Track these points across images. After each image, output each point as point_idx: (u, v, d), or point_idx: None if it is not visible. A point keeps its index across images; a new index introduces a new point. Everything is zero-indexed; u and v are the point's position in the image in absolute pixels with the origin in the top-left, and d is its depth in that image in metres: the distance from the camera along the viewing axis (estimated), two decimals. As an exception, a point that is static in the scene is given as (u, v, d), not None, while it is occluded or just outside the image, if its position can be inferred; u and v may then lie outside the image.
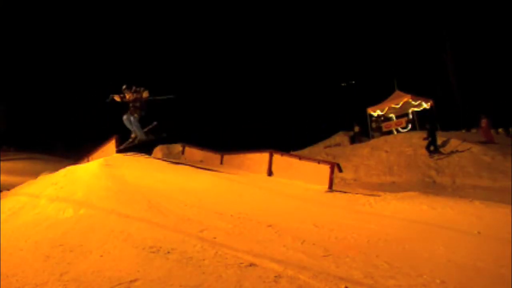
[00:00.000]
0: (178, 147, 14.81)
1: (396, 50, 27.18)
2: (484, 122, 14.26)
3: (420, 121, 17.87)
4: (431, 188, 10.41)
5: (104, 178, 7.08)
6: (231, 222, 4.97)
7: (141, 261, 3.54)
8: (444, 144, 13.72)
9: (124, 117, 9.58)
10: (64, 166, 8.98)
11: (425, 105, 18.65)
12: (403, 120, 18.74)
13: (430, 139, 13.31)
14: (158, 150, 15.48)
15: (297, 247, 4.03)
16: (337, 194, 8.09)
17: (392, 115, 19.54)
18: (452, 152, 12.91)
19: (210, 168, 10.04)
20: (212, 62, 33.82)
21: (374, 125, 19.42)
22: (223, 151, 12.77)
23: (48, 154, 20.87)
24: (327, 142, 19.88)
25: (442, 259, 3.72)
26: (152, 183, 7.18)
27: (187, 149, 14.17)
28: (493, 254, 3.79)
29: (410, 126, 18.16)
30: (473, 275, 3.30)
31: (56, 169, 9.18)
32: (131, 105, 9.44)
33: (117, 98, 9.43)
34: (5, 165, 14.64)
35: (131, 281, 3.09)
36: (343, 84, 31.43)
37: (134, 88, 9.30)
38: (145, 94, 9.27)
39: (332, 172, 8.77)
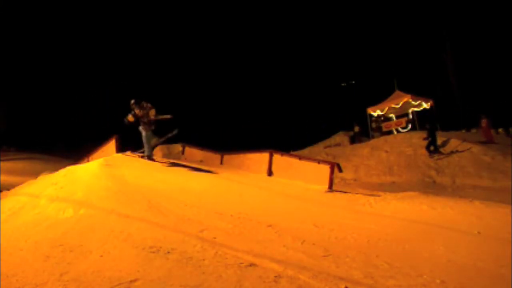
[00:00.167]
0: (178, 147, 14.80)
1: (396, 50, 27.20)
2: (484, 122, 14.27)
3: (420, 121, 17.88)
4: (431, 188, 10.41)
5: (104, 178, 7.08)
6: (231, 222, 4.97)
7: (141, 261, 3.54)
8: (444, 144, 13.72)
9: (140, 127, 9.57)
10: (64, 166, 8.97)
11: (425, 105, 18.65)
12: (403, 120, 18.74)
13: (430, 139, 13.31)
14: (158, 150, 15.46)
15: (297, 247, 4.03)
16: (337, 194, 8.09)
17: (392, 115, 19.54)
18: (452, 152, 12.91)
19: (210, 168, 10.03)
20: (212, 62, 33.84)
21: (374, 125, 19.42)
22: (223, 151, 12.78)
23: (48, 154, 20.87)
24: (327, 142, 19.88)
25: (442, 259, 3.72)
26: (152, 183, 7.18)
27: (187, 149, 14.17)
28: (493, 254, 3.79)
29: (410, 126, 18.16)
30: (473, 275, 3.30)
31: (56, 169, 9.18)
32: (140, 121, 9.45)
33: (130, 118, 9.50)
34: (5, 165, 14.64)
35: (131, 281, 3.09)
36: (343, 84, 31.44)
37: (142, 103, 9.32)
38: (152, 113, 9.30)
39: (332, 172, 8.77)
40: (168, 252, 3.74)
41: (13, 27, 27.64)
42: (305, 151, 18.35)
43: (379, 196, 7.77)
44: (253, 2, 33.50)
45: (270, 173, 10.29)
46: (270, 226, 4.86)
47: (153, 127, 9.63)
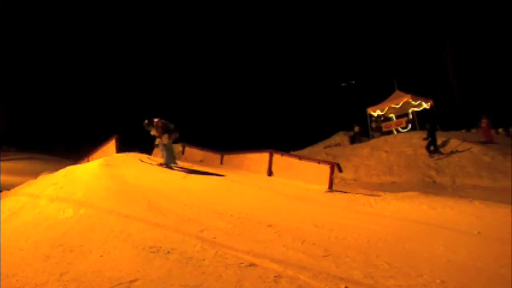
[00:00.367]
0: (178, 147, 14.79)
1: (396, 50, 27.20)
2: (484, 122, 14.26)
3: (420, 121, 17.87)
4: (431, 188, 10.41)
5: (104, 178, 7.08)
6: (231, 222, 4.97)
7: (141, 261, 3.54)
8: (444, 144, 13.72)
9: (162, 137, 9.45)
10: (64, 166, 8.98)
11: (425, 105, 18.65)
12: (403, 120, 18.74)
13: (430, 139, 13.31)
14: (158, 150, 15.44)
15: (297, 247, 4.03)
16: (337, 194, 8.09)
17: (392, 115, 19.54)
18: (452, 152, 12.91)
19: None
20: (212, 62, 33.84)
21: (374, 125, 19.41)
22: (223, 151, 12.78)
23: (48, 154, 20.88)
24: (327, 142, 19.87)
25: (442, 259, 3.72)
26: (152, 183, 7.19)
27: (187, 149, 14.17)
28: (493, 254, 3.79)
29: (410, 126, 18.16)
30: (473, 275, 3.30)
31: (56, 169, 9.18)
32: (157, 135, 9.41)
33: (153, 133, 9.44)
34: (5, 165, 14.65)
35: (131, 281, 3.09)
36: (343, 84, 31.43)
37: (152, 122, 9.30)
38: (165, 140, 9.27)
39: (332, 172, 8.77)
40: (168, 252, 3.74)
41: (13, 27, 27.65)
42: (305, 151, 18.35)
43: (379, 196, 7.77)
44: (253, 2, 33.52)
45: (270, 173, 10.29)
46: (270, 226, 4.86)
47: (174, 137, 9.44)
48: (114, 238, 4.22)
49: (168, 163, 9.32)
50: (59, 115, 29.54)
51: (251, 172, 10.46)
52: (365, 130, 19.45)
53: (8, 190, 8.83)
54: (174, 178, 8.20)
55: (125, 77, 31.37)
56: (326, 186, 8.59)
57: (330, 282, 3.05)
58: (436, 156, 12.96)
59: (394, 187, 10.85)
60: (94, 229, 4.58)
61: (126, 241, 4.12)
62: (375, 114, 19.49)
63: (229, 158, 12.19)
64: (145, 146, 14.38)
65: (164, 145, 9.30)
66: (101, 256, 3.74)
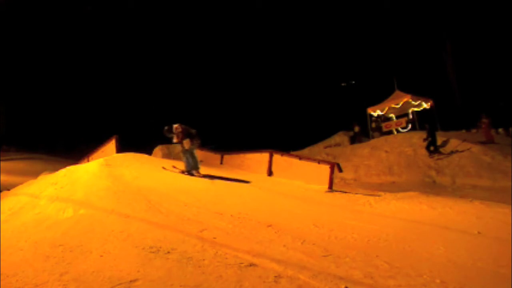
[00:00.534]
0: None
1: (396, 50, 27.17)
2: (484, 122, 14.26)
3: (420, 121, 17.86)
4: (431, 188, 10.41)
5: (104, 178, 7.08)
6: (231, 222, 4.97)
7: (141, 261, 3.54)
8: (444, 144, 13.72)
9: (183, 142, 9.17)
10: (64, 166, 8.98)
11: (425, 105, 18.64)
12: (403, 120, 18.73)
13: (430, 139, 13.31)
14: (158, 150, 15.48)
15: (297, 247, 4.04)
16: (337, 194, 8.09)
17: (392, 115, 19.53)
18: (452, 152, 12.91)
19: (210, 167, 10.01)
20: (212, 62, 33.83)
21: (374, 125, 19.41)
22: (223, 151, 12.78)
23: (48, 154, 20.90)
24: (327, 142, 19.87)
25: (442, 259, 3.72)
26: (152, 183, 7.19)
27: (187, 149, 14.15)
28: (493, 254, 3.79)
29: (410, 126, 18.15)
30: (473, 275, 3.30)
31: (56, 169, 9.18)
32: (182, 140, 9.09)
33: (175, 140, 9.23)
34: (5, 165, 14.66)
35: (131, 281, 3.09)
36: (343, 84, 31.42)
37: (174, 128, 9.12)
38: (186, 146, 8.98)
39: (332, 172, 8.77)
40: (168, 252, 3.74)
41: (13, 27, 27.65)
42: (305, 151, 18.35)
43: (379, 196, 7.78)
44: (253, 2, 33.52)
45: (270, 173, 10.30)
46: (270, 226, 4.86)
47: (196, 143, 9.06)
48: (114, 238, 4.22)
49: (189, 170, 8.84)
50: (59, 115, 29.55)
51: (251, 172, 10.47)
52: (364, 130, 19.45)
53: (8, 190, 8.84)
54: (174, 178, 8.20)
55: (125, 77, 31.38)
56: (326, 186, 8.59)
57: (330, 282, 3.05)
58: (436, 156, 12.96)
59: (394, 187, 10.85)
60: (94, 229, 4.58)
61: (126, 241, 4.12)
62: (375, 114, 19.48)
63: (229, 158, 12.20)
64: (145, 146, 14.41)
65: (186, 150, 8.87)
66: (101, 256, 3.74)
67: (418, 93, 18.82)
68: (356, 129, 19.43)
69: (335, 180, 9.30)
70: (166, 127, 9.26)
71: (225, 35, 34.27)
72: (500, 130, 17.08)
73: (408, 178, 12.27)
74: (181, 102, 31.84)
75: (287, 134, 26.44)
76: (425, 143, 13.40)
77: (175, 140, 9.24)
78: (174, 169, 9.22)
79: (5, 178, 11.24)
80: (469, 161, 11.92)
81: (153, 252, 3.75)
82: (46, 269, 3.46)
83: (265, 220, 5.11)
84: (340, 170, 9.33)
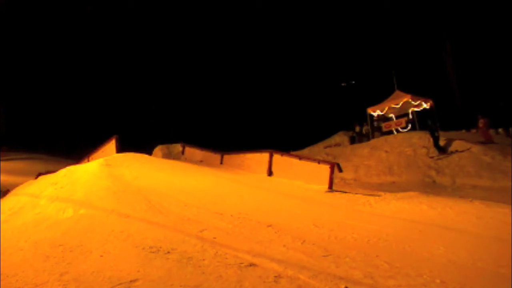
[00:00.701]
0: (178, 147, 14.81)
1: (396, 50, 27.16)
2: (481, 122, 14.23)
3: (420, 121, 17.85)
4: (431, 188, 10.40)
5: (104, 178, 7.09)
6: (231, 222, 4.97)
7: (141, 261, 3.54)
8: (444, 144, 13.71)
9: None
10: (64, 166, 8.98)
11: (425, 105, 18.62)
12: (403, 120, 18.70)
13: (436, 134, 13.29)
14: (158, 150, 15.48)
15: (297, 247, 4.03)
16: (337, 194, 8.09)
17: (392, 115, 19.52)
18: (452, 152, 12.90)
19: (210, 167, 10.02)
20: (213, 63, 33.83)
21: (374, 124, 19.40)
22: (223, 151, 12.78)
23: (48, 154, 20.90)
24: (327, 142, 19.86)
25: (442, 259, 3.72)
26: (152, 183, 7.19)
27: (187, 149, 14.18)
28: (493, 254, 3.79)
29: (410, 126, 18.13)
30: (473, 275, 3.30)
31: (56, 169, 9.18)
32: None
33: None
34: (5, 165, 14.66)
35: (131, 281, 3.09)
36: (343, 84, 31.40)
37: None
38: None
39: (332, 172, 8.77)
40: (168, 252, 3.74)
41: (13, 27, 27.64)
42: (305, 151, 18.34)
43: (379, 196, 7.78)
44: (253, 2, 33.51)
45: (270, 173, 10.29)
46: (270, 226, 4.86)
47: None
48: (114, 238, 4.22)
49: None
50: (59, 116, 29.55)
51: (251, 172, 10.47)
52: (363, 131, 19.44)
53: (8, 190, 8.84)
54: (174, 178, 8.20)
55: (125, 77, 31.38)
56: (326, 186, 8.59)
57: (330, 282, 3.05)
58: (436, 156, 12.95)
59: (394, 187, 10.85)
60: (94, 229, 4.58)
61: (126, 241, 4.12)
62: (375, 114, 19.47)
63: (229, 158, 12.20)
64: (145, 146, 14.41)
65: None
66: (101, 256, 3.74)
67: (418, 93, 18.80)
68: (357, 129, 19.43)
69: (335, 180, 9.30)
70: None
71: (225, 35, 34.27)
72: (500, 130, 17.05)
73: (408, 178, 12.26)
74: (181, 102, 31.87)
75: (287, 134, 26.44)
76: (431, 142, 13.32)
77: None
78: None
79: (5, 178, 11.24)
80: (469, 161, 11.91)
81: (153, 252, 3.75)
82: (46, 269, 3.47)
83: (265, 220, 5.11)
84: (340, 170, 9.33)
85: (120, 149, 11.43)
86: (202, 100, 32.79)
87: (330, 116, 27.15)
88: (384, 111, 19.19)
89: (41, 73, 29.64)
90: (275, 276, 3.15)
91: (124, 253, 3.79)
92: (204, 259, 3.56)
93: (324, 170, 8.91)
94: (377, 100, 19.67)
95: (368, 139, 17.77)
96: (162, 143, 15.68)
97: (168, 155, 14.20)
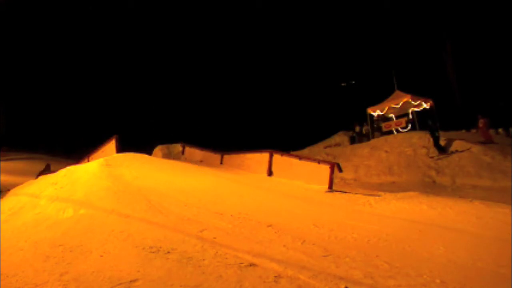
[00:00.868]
0: (178, 147, 14.82)
1: (396, 50, 27.17)
2: (481, 122, 14.23)
3: (420, 121, 17.84)
4: (431, 188, 10.40)
5: (104, 178, 7.09)
6: (231, 222, 4.97)
7: (141, 261, 3.54)
8: (445, 144, 13.71)
9: None
10: (64, 166, 8.98)
11: (425, 105, 18.62)
12: (403, 120, 18.70)
13: (437, 134, 13.29)
14: (158, 150, 15.48)
15: (297, 247, 4.03)
16: (337, 194, 8.09)
17: (392, 115, 19.52)
18: (452, 152, 12.90)
19: (210, 167, 10.01)
20: (213, 63, 33.84)
21: (374, 124, 19.40)
22: (223, 151, 12.78)
23: (48, 154, 20.89)
24: (327, 142, 19.87)
25: (442, 259, 3.72)
26: (152, 183, 7.19)
27: (187, 149, 14.18)
28: (493, 254, 3.79)
29: (410, 126, 18.13)
30: (473, 275, 3.30)
31: (56, 169, 9.18)
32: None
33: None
34: (5, 165, 14.66)
35: (131, 281, 3.09)
36: (343, 84, 31.40)
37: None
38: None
39: (332, 172, 8.78)
40: (168, 252, 3.74)
41: (13, 27, 27.64)
42: (305, 151, 18.35)
43: (379, 196, 7.78)
44: (253, 2, 33.51)
45: (270, 173, 10.29)
46: (270, 226, 4.86)
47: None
48: (114, 238, 4.22)
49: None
50: (59, 116, 29.55)
51: (251, 172, 10.47)
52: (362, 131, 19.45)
53: (8, 190, 8.84)
54: (174, 178, 8.20)
55: (125, 77, 31.38)
56: (326, 186, 8.59)
57: (330, 282, 3.05)
58: (436, 156, 12.95)
59: (394, 187, 10.85)
60: (94, 229, 4.58)
61: (126, 241, 4.12)
62: (375, 114, 19.47)
63: (229, 158, 12.20)
64: (145, 146, 14.41)
65: None
66: (101, 256, 3.74)
67: (418, 93, 18.80)
68: (357, 129, 19.44)
69: (335, 180, 9.30)
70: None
71: (225, 35, 34.27)
72: (500, 130, 17.05)
73: (408, 178, 12.26)
74: (181, 102, 31.87)
75: (287, 134, 26.44)
76: (432, 143, 13.32)
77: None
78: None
79: (5, 178, 11.24)
80: (469, 161, 11.91)
81: (153, 252, 3.75)
82: (46, 269, 3.47)
83: (265, 220, 5.11)
84: (340, 170, 9.33)
85: (120, 149, 11.43)
86: (202, 100, 32.80)
87: (330, 116, 27.15)
88: (384, 111, 19.19)
89: (41, 73, 29.64)
90: (275, 276, 3.15)
91: (124, 253, 3.79)
92: (204, 259, 3.56)
93: (324, 170, 8.91)
94: (377, 100, 19.67)
95: (368, 139, 17.77)
96: (162, 143, 15.67)
97: (168, 155, 14.20)
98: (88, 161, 11.44)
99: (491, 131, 15.01)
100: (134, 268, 3.37)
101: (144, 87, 32.05)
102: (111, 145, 12.01)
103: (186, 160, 13.11)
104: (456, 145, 13.26)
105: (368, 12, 29.47)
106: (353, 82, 30.66)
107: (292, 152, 14.45)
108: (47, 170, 12.41)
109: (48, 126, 28.97)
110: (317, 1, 32.61)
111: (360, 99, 22.60)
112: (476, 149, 12.44)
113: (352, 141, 18.87)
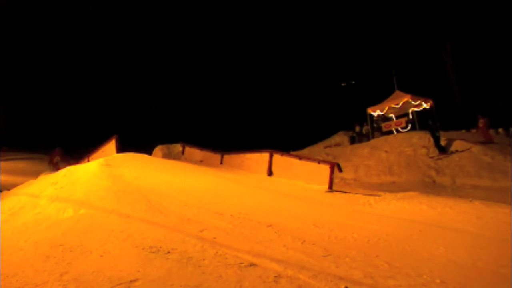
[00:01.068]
0: (178, 147, 14.81)
1: (396, 50, 27.17)
2: (481, 122, 14.23)
3: (420, 121, 17.84)
4: (431, 188, 10.40)
5: (104, 178, 7.09)
6: (231, 222, 4.97)
7: (141, 261, 3.54)
8: (445, 144, 13.71)
9: None
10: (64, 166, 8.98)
11: (425, 105, 18.62)
12: (403, 120, 18.70)
13: (437, 134, 13.29)
14: (158, 150, 15.48)
15: (297, 247, 4.03)
16: (337, 194, 8.09)
17: (392, 115, 19.52)
18: (452, 152, 12.90)
19: (210, 167, 10.01)
20: (213, 62, 33.84)
21: (374, 124, 19.40)
22: (223, 151, 12.78)
23: (48, 154, 20.85)
24: (327, 142, 19.87)
25: (442, 259, 3.72)
26: (152, 183, 7.19)
27: (187, 149, 14.18)
28: (493, 254, 3.79)
29: (410, 126, 18.13)
30: (473, 275, 3.30)
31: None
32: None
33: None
34: (5, 165, 14.65)
35: (131, 281, 3.09)
36: (343, 84, 31.41)
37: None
38: None
39: (332, 172, 8.78)
40: (168, 252, 3.74)
41: (13, 27, 27.64)
42: (305, 151, 18.35)
43: (379, 196, 7.78)
44: (253, 2, 33.51)
45: (270, 173, 10.29)
46: (270, 226, 4.86)
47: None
48: (114, 238, 4.22)
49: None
50: (59, 116, 29.55)
51: (251, 172, 10.47)
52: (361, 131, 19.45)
53: (8, 190, 8.84)
54: (174, 178, 8.20)
55: (125, 77, 31.38)
56: (326, 186, 8.59)
57: (330, 282, 3.05)
58: (436, 156, 12.95)
59: (394, 187, 10.85)
60: (94, 229, 4.58)
61: (126, 241, 4.12)
62: (375, 114, 19.47)
63: (229, 158, 12.20)
64: (145, 146, 14.41)
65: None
66: (101, 256, 3.74)
67: (418, 93, 18.80)
68: (357, 129, 19.44)
69: (335, 180, 9.30)
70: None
71: (225, 35, 34.27)
72: (500, 130, 17.06)
73: (408, 178, 12.26)
74: (181, 102, 31.86)
75: (287, 134, 26.43)
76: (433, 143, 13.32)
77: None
78: None
79: (5, 178, 11.23)
80: (469, 161, 11.91)
81: (153, 252, 3.75)
82: (46, 269, 3.47)
83: (265, 220, 5.11)
84: (340, 170, 9.33)
85: (120, 149, 11.43)
86: (202, 100, 32.79)
87: (330, 116, 27.15)
88: (384, 111, 19.19)
89: (41, 73, 29.63)
90: (275, 276, 3.15)
91: (124, 253, 3.79)
92: (204, 259, 3.56)
93: (324, 170, 8.91)
94: (377, 100, 19.67)
95: (368, 139, 17.78)
96: (162, 143, 15.67)
97: (168, 155, 14.20)
98: (88, 161, 11.44)
99: (491, 131, 15.02)
100: (134, 268, 3.37)
101: (144, 87, 32.06)
102: (111, 145, 12.01)
103: (186, 160, 13.11)
104: (456, 145, 13.26)
105: (368, 12, 29.47)
106: (353, 82, 30.67)
107: (292, 152, 14.45)
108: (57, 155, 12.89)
109: (48, 126, 28.96)
110: (317, 1, 32.61)
111: (360, 99, 22.60)
112: (476, 149, 12.44)
113: (352, 141, 18.87)
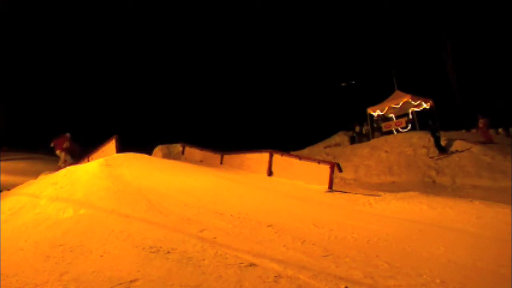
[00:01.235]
0: (178, 147, 14.81)
1: (396, 50, 27.17)
2: (481, 122, 14.23)
3: (420, 121, 17.85)
4: (431, 188, 10.40)
5: (104, 178, 7.09)
6: (231, 222, 4.97)
7: (141, 261, 3.54)
8: (445, 144, 13.71)
9: None
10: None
11: (425, 105, 18.63)
12: (403, 120, 18.70)
13: (437, 134, 13.29)
14: (158, 150, 15.48)
15: (297, 247, 4.03)
16: (337, 194, 8.09)
17: (392, 115, 19.52)
18: (452, 152, 12.91)
19: (210, 167, 10.01)
20: (213, 62, 33.83)
21: (374, 124, 19.41)
22: (223, 151, 12.78)
23: (48, 154, 20.86)
24: (327, 142, 19.88)
25: (442, 259, 3.72)
26: (152, 183, 7.19)
27: (187, 149, 14.18)
28: (493, 254, 3.79)
29: (410, 126, 18.14)
30: (473, 275, 3.30)
31: (56, 169, 9.18)
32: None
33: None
34: (5, 165, 14.65)
35: (131, 281, 3.09)
36: (343, 84, 31.42)
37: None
38: None
39: (332, 172, 8.78)
40: (168, 252, 3.74)
41: (13, 27, 27.64)
42: (305, 151, 18.35)
43: (379, 196, 7.78)
44: (253, 2, 33.51)
45: (270, 173, 10.29)
46: (270, 226, 4.86)
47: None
48: (114, 238, 4.22)
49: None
50: (59, 116, 29.54)
51: (251, 172, 10.47)
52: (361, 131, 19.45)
53: (8, 190, 8.84)
54: (174, 178, 8.20)
55: (125, 77, 31.38)
56: (326, 186, 8.59)
57: (330, 282, 3.05)
58: (436, 156, 12.95)
59: (394, 187, 10.85)
60: (94, 229, 4.58)
61: (126, 241, 4.12)
62: (375, 114, 19.47)
63: (229, 158, 12.20)
64: (145, 146, 14.41)
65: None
66: (101, 256, 3.74)
67: (418, 93, 18.80)
68: (357, 129, 19.44)
69: (335, 180, 9.31)
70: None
71: (225, 35, 34.27)
72: (500, 130, 17.07)
73: (408, 178, 12.26)
74: (181, 102, 31.86)
75: (287, 134, 26.43)
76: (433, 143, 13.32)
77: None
78: None
79: (5, 178, 11.23)
80: (469, 161, 11.91)
81: (153, 252, 3.75)
82: (46, 269, 3.46)
83: (265, 220, 5.11)
84: (340, 170, 9.33)
85: (120, 149, 11.42)
86: (202, 100, 32.79)
87: (330, 116, 27.15)
88: (384, 111, 19.19)
89: (41, 73, 29.62)
90: (275, 276, 3.15)
91: (124, 253, 3.79)
92: (204, 259, 3.56)
93: (324, 170, 8.91)
94: (377, 100, 19.68)
95: (368, 139, 17.78)
96: (162, 143, 15.67)
97: (168, 155, 14.20)
98: (88, 161, 11.44)
99: (491, 131, 15.03)
100: (134, 268, 3.37)
101: (144, 87, 32.06)
102: (111, 145, 12.00)
103: (186, 160, 13.10)
104: (456, 145, 13.27)
105: (368, 12, 29.47)
106: (353, 82, 30.68)
107: (292, 152, 14.46)
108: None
109: (48, 126, 28.94)
110: (317, 1, 32.61)
111: (360, 99, 22.61)
112: (476, 149, 12.45)
113: (352, 141, 18.88)
